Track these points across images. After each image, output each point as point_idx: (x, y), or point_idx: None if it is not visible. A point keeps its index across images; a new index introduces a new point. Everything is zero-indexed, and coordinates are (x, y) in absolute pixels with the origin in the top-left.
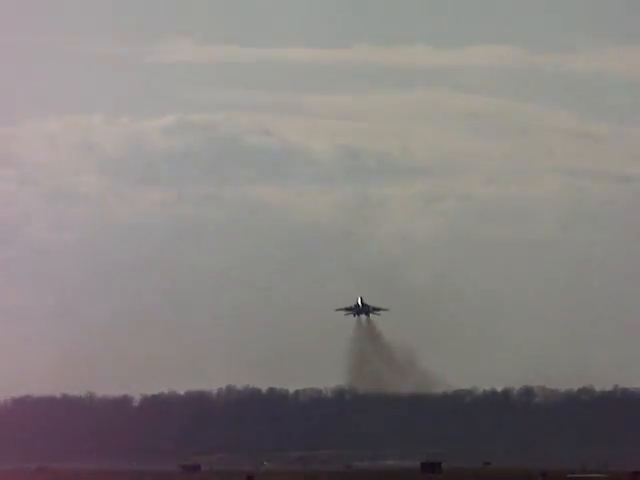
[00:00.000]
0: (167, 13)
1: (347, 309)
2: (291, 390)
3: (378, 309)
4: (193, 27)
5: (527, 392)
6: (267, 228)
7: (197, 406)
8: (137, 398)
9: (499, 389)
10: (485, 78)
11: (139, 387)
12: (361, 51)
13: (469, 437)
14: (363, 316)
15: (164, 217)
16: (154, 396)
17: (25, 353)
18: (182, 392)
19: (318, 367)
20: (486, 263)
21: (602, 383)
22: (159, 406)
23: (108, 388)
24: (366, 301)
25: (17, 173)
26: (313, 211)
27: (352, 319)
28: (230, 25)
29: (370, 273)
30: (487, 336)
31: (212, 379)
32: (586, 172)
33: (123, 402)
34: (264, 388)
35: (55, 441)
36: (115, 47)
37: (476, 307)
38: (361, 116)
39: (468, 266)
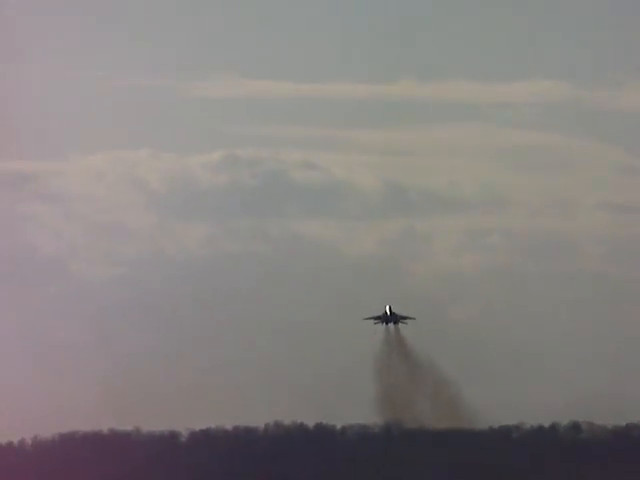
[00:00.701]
0: (214, 48)
1: (375, 318)
2: (338, 426)
3: (405, 318)
4: (240, 62)
5: (574, 427)
6: (312, 263)
7: (244, 441)
8: (184, 433)
9: (546, 424)
10: (531, 113)
11: (186, 422)
12: (407, 86)
13: (516, 473)
14: (391, 326)
15: (210, 252)
16: (202, 431)
17: (71, 387)
18: (229, 427)
19: (365, 402)
20: (532, 297)
21: None
22: (206, 441)
23: (155, 423)
24: (395, 311)
25: (64, 208)
26: (359, 246)
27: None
28: (277, 60)
29: (416, 307)
30: (534, 371)
31: (259, 414)
32: (633, 207)
33: (170, 437)
34: (311, 424)
35: (103, 476)
36: (162, 81)
37: (522, 341)
38: (407, 151)
39: (514, 300)
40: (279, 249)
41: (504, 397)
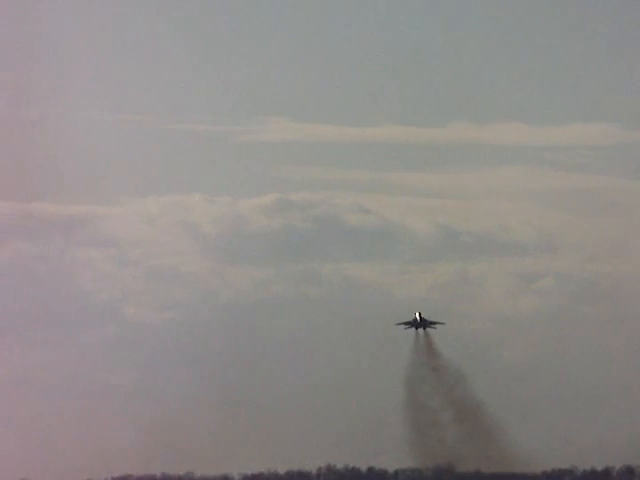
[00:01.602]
0: (267, 93)
1: (406, 323)
2: (390, 470)
3: (434, 323)
4: (292, 106)
5: (628, 471)
6: (365, 306)
7: None
8: (237, 477)
9: (599, 468)
10: (584, 155)
11: (239, 466)
12: (456, 129)
13: None
14: (421, 330)
15: (263, 295)
16: (254, 475)
17: (124, 431)
18: (282, 472)
19: (416, 446)
20: (585, 341)
21: None
22: None
23: (208, 467)
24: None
25: (117, 253)
26: (411, 289)
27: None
28: (329, 104)
29: (468, 350)
30: (587, 414)
31: (312, 458)
32: None
33: None
34: (364, 467)
35: None
36: (214, 126)
37: (575, 385)
38: (459, 194)
39: (567, 343)
40: (331, 293)
41: (557, 440)
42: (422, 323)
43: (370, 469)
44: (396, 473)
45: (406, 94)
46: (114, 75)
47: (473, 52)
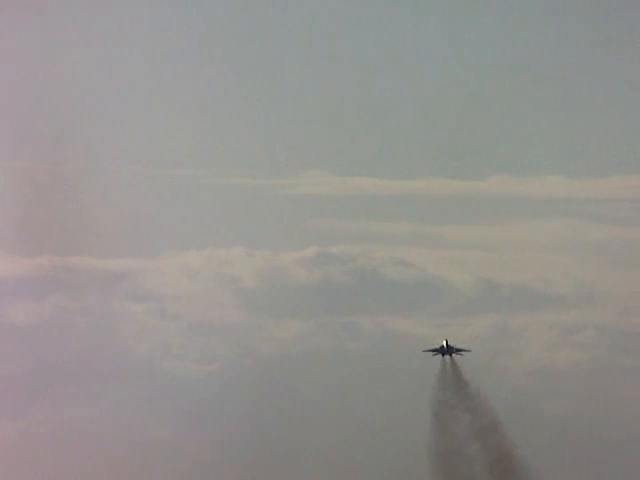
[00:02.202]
0: (305, 146)
1: (433, 350)
2: None
3: (461, 350)
4: (331, 159)
5: None
6: (406, 361)
7: None
8: None
9: None
10: (623, 208)
11: None
12: (496, 182)
13: None
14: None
15: (304, 349)
16: None
17: None
18: None
19: None
20: (628, 394)
21: None
22: None
23: None
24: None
25: (157, 306)
26: (452, 342)
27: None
28: (367, 157)
29: (509, 404)
30: (630, 468)
31: None
32: None
33: None
34: None
35: None
36: (254, 179)
37: (618, 439)
38: (498, 247)
39: (609, 397)
40: (371, 346)
41: None
42: (449, 350)
43: None
44: None
45: (446, 146)
46: (155, 129)
47: (513, 105)
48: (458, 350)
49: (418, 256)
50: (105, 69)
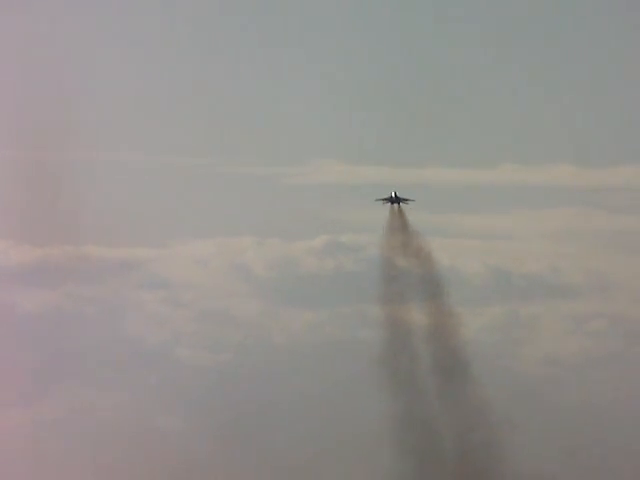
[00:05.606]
0: (315, 134)
1: (384, 199)
2: None
3: (406, 200)
4: (341, 148)
5: None
6: (417, 348)
7: None
8: None
9: None
10: (633, 197)
11: None
12: (506, 171)
13: None
14: (396, 206)
15: (315, 338)
16: None
17: (176, 475)
18: None
19: None
20: (638, 384)
21: None
22: None
23: None
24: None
25: (168, 295)
26: (463, 331)
27: None
28: (377, 146)
29: (521, 393)
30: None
31: None
32: None
33: None
34: None
35: None
36: (264, 168)
37: (627, 430)
38: (508, 236)
39: (618, 387)
40: (383, 334)
41: None
42: (396, 199)
43: None
44: None
45: (456, 135)
46: (165, 118)
47: (524, 94)
48: (404, 199)
49: (427, 245)
50: (113, 57)
